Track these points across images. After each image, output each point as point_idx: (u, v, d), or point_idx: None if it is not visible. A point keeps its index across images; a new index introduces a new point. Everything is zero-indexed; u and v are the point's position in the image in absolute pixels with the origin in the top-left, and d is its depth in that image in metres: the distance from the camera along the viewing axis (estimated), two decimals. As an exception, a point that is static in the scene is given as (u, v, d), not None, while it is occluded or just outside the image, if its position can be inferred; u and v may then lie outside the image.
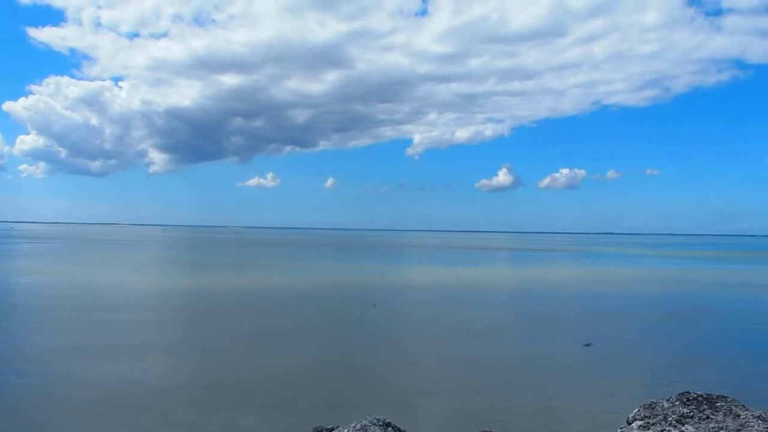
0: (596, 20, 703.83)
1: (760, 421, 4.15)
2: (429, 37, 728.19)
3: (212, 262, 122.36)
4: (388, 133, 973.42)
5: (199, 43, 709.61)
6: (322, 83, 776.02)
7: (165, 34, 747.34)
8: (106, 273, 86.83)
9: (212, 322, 45.50)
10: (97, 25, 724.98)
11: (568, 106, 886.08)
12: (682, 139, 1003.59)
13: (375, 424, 6.09)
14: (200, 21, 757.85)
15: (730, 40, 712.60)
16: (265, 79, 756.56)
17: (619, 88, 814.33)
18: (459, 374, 30.80)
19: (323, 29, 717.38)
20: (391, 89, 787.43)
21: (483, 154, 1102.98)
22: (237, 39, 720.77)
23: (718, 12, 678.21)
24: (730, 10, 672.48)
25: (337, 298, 61.84)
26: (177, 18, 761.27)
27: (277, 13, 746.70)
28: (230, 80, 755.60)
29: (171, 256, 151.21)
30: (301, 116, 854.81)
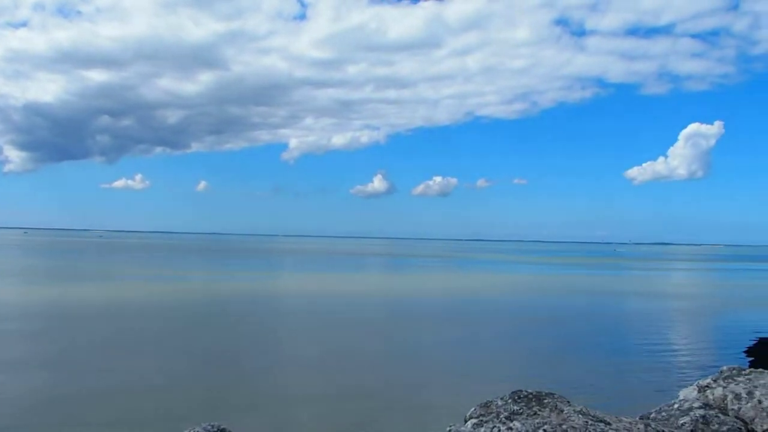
0: (470, 34, 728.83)
1: (580, 415, 4.26)
2: (307, 42, 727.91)
3: (72, 267, 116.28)
4: (264, 136, 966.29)
5: (64, 35, 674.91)
6: (196, 84, 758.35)
7: (24, 24, 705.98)
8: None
9: (64, 333, 43.00)
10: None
11: (442, 115, 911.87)
12: (548, 151, 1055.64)
13: (208, 431, 5.83)
14: (65, 12, 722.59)
15: (593, 60, 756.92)
16: (134, 77, 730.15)
17: (491, 101, 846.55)
18: (314, 381, 30.64)
19: (198, 28, 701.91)
20: (267, 92, 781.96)
21: (359, 160, 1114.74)
22: (105, 33, 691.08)
23: (582, 32, 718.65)
24: (593, 32, 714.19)
25: (205, 307, 60.13)
26: (38, 7, 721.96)
27: (150, 8, 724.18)
28: (97, 76, 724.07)
29: (28, 261, 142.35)
30: (172, 117, 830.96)
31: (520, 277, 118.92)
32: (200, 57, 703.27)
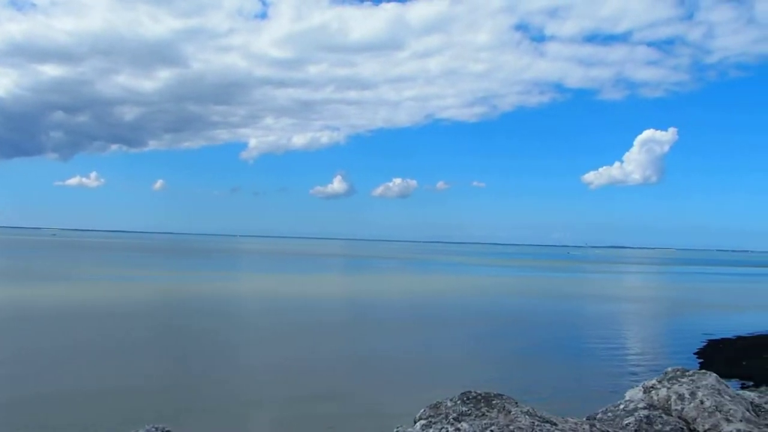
0: (432, 37, 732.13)
1: (527, 416, 4.26)
2: (268, 41, 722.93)
3: (20, 267, 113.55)
4: (223, 135, 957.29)
5: (16, 28, 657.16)
6: (154, 80, 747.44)
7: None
8: None
9: (10, 336, 41.99)
10: None
11: (402, 117, 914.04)
12: (507, 155, 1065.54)
13: (153, 433, 5.72)
14: (17, 4, 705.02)
15: (552, 65, 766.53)
16: (90, 72, 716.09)
17: (451, 103, 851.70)
18: (269, 385, 30.45)
19: (157, 24, 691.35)
20: (227, 91, 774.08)
21: (319, 160, 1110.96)
22: (60, 27, 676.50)
23: (541, 38, 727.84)
24: (553, 38, 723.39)
25: (160, 309, 59.22)
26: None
27: (107, 3, 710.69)
28: (51, 71, 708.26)
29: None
30: (129, 114, 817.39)
31: (476, 279, 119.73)
32: (159, 54, 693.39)
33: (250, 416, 24.68)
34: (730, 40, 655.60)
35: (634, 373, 34.56)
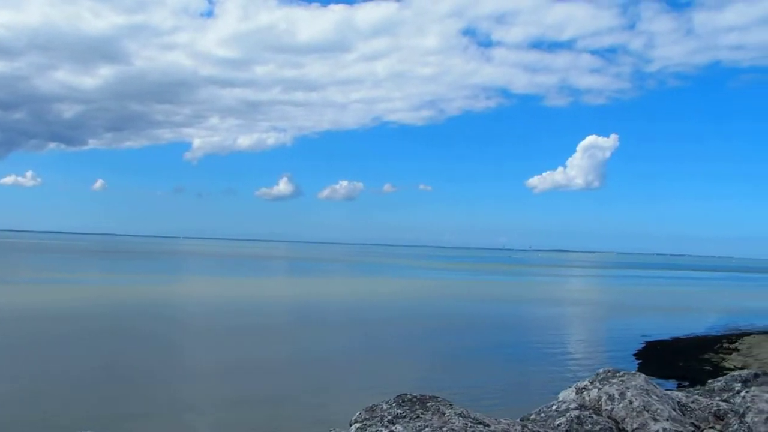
0: (379, 40, 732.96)
1: (460, 418, 4.26)
2: (214, 40, 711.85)
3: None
4: (166, 135, 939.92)
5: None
6: (95, 77, 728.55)
7: None
8: None
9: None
10: None
11: (349, 120, 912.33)
12: (453, 159, 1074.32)
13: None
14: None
15: (499, 71, 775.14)
16: (27, 68, 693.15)
17: (399, 107, 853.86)
18: (209, 389, 30.10)
19: (98, 19, 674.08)
20: (171, 90, 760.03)
21: (264, 162, 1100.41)
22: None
23: (488, 43, 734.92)
24: (499, 43, 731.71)
25: (99, 313, 57.77)
26: None
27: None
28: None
29: None
30: (68, 111, 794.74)
31: (420, 282, 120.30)
32: (100, 50, 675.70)
33: (188, 421, 24.29)
34: (670, 50, 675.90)
35: (572, 375, 35.16)
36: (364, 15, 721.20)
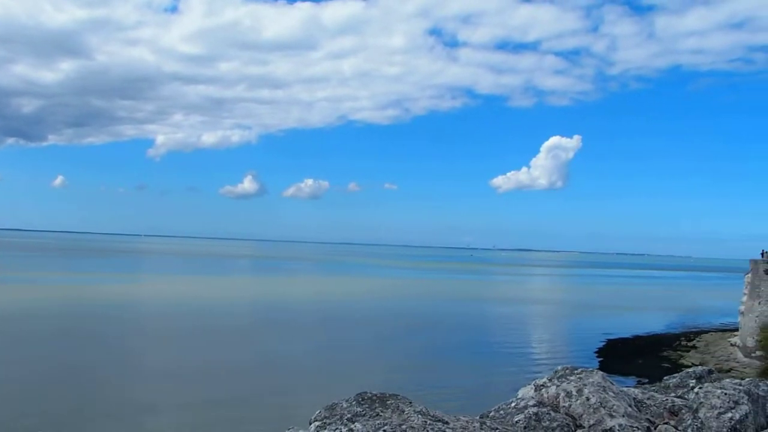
0: (346, 38, 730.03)
1: (420, 416, 4.27)
2: (178, 36, 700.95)
3: None
4: (129, 131, 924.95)
5: None
6: (56, 72, 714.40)
7: None
8: None
9: None
10: None
11: (315, 118, 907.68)
12: (418, 158, 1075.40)
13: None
14: None
15: (464, 71, 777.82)
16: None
17: (365, 105, 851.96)
18: (171, 390, 29.84)
19: (60, 13, 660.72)
20: (134, 86, 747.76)
21: (229, 159, 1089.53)
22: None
23: (454, 44, 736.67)
24: (465, 44, 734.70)
25: (58, 312, 56.75)
26: None
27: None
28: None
29: None
30: (28, 106, 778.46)
31: (385, 281, 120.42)
32: (61, 44, 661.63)
33: (146, 422, 24.05)
34: (632, 53, 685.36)
35: (534, 373, 35.49)
36: (330, 13, 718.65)
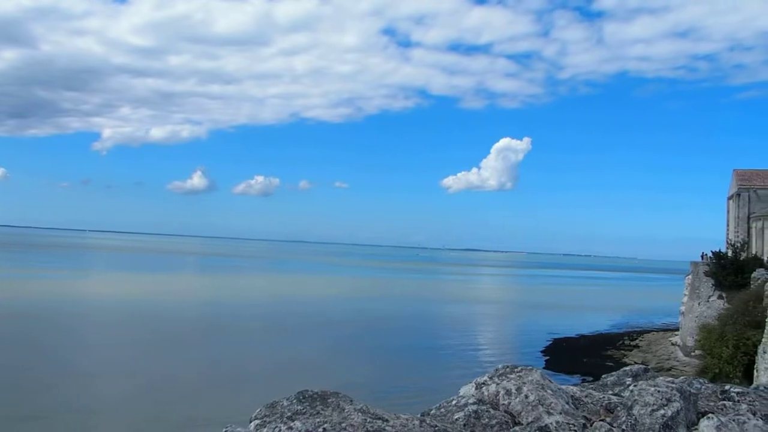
0: (298, 35, 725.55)
1: (360, 414, 4.27)
2: (127, 27, 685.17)
3: None
4: (74, 124, 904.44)
5: None
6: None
7: None
8: None
9: None
10: None
11: (267, 114, 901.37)
12: (370, 157, 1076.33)
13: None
14: None
15: (417, 71, 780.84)
16: None
17: (317, 103, 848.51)
18: (107, 393, 29.30)
19: (4, 0, 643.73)
20: (80, 77, 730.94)
21: (178, 155, 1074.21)
22: None
23: (408, 44, 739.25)
24: (418, 44, 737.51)
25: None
26: None
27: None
28: None
29: None
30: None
31: (333, 280, 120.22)
32: (4, 32, 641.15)
33: (82, 424, 23.60)
34: (581, 58, 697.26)
35: (480, 371, 35.62)
36: (283, 9, 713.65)
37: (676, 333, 52.10)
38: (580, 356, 47.03)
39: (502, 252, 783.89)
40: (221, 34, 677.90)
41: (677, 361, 44.55)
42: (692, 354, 39.94)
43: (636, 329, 62.39)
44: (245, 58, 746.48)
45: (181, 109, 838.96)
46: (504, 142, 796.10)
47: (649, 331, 59.73)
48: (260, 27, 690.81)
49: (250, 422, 5.85)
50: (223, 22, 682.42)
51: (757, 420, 4.19)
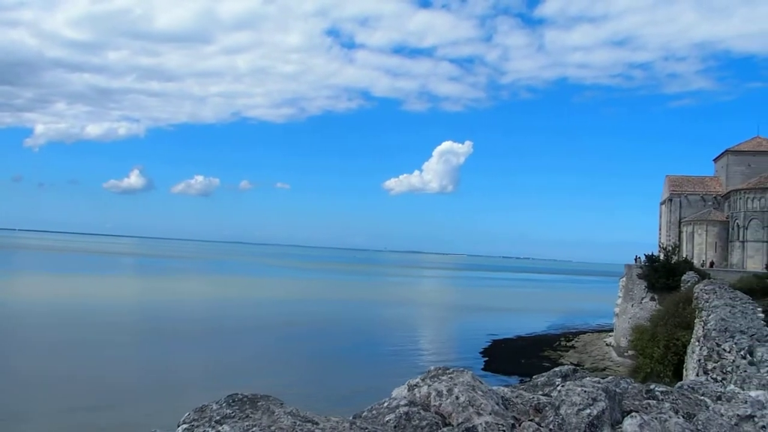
0: (241, 33, 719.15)
1: (290, 417, 4.23)
2: (63, 20, 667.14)
3: None
4: (5, 119, 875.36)
5: None
6: None
7: None
8: None
9: None
10: None
11: (208, 113, 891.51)
12: (312, 158, 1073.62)
13: None
14: None
15: (361, 73, 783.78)
16: None
17: (259, 103, 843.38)
18: (41, 399, 28.46)
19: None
20: (12, 70, 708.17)
21: (115, 152, 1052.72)
22: None
23: (352, 45, 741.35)
24: (363, 46, 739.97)
25: None
26: None
27: None
28: None
29: None
30: None
31: (271, 281, 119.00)
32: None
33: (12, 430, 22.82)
34: (522, 63, 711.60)
35: (417, 373, 35.86)
36: (226, 7, 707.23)
37: (610, 334, 53.35)
38: (518, 357, 47.73)
39: (443, 254, 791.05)
40: (162, 30, 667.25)
41: (611, 361, 45.60)
42: (626, 354, 40.91)
43: (572, 330, 63.69)
44: (186, 56, 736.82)
45: (119, 105, 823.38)
46: (446, 145, 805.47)
47: (584, 332, 61.04)
48: (202, 24, 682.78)
49: (178, 426, 5.72)
50: (165, 17, 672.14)
51: (679, 418, 4.31)
